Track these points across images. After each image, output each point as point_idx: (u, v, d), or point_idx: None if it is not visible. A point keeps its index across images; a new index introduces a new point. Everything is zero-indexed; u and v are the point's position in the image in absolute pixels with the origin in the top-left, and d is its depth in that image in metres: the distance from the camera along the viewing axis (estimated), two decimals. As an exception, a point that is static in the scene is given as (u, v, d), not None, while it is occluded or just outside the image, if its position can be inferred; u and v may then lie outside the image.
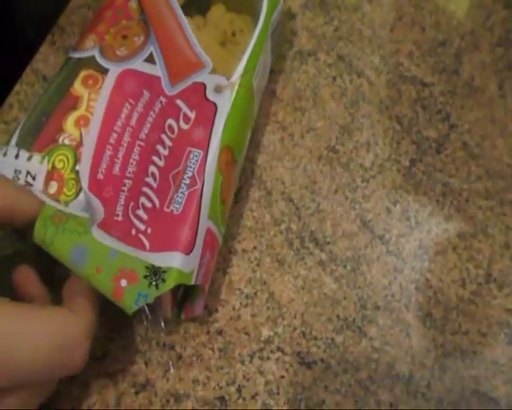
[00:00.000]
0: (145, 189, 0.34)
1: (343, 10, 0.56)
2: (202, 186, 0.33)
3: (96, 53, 0.40)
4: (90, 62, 0.39)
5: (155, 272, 0.30)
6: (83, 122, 0.36)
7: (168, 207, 0.32)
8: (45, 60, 0.52)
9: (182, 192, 0.33)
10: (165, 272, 0.30)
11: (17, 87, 0.52)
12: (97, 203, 0.33)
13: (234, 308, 0.39)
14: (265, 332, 0.38)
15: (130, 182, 0.34)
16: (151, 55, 0.40)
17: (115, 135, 0.36)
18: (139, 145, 0.35)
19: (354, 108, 0.49)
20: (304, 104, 0.50)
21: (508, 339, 0.37)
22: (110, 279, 0.30)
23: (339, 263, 0.41)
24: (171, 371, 0.36)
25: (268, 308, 0.39)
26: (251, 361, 0.37)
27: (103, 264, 0.30)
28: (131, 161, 0.35)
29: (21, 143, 0.36)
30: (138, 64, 0.39)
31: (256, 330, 0.38)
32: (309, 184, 0.45)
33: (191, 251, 0.31)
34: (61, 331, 0.27)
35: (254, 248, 0.41)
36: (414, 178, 0.45)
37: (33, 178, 0.35)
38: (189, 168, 0.34)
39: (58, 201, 0.34)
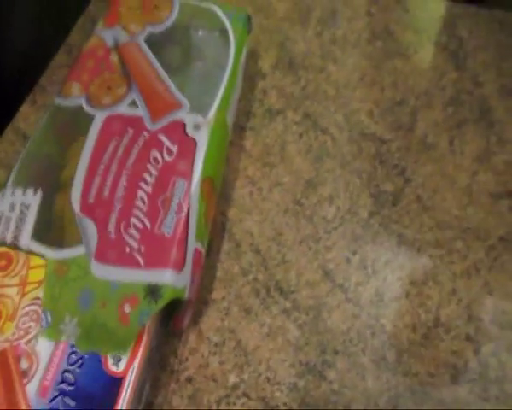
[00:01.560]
0: (135, 211, 0.38)
1: (310, 70, 0.60)
2: (188, 212, 0.38)
3: (82, 102, 0.45)
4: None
5: (153, 291, 0.34)
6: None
7: (159, 229, 0.37)
8: (26, 119, 0.56)
9: (171, 217, 0.37)
10: (161, 288, 0.34)
11: None
12: (90, 224, 0.37)
13: (203, 356, 0.42)
14: (232, 379, 0.41)
15: (120, 205, 0.38)
16: (133, 101, 0.44)
17: (102, 166, 0.40)
18: (126, 174, 0.40)
19: (318, 163, 0.54)
20: (272, 160, 0.54)
21: (453, 379, 0.41)
22: (115, 310, 0.34)
23: (302, 311, 0.45)
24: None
25: (235, 356, 0.42)
26: (218, 407, 0.40)
27: (107, 298, 0.34)
28: (120, 186, 0.39)
29: (17, 181, 0.40)
30: (122, 109, 0.44)
31: (223, 377, 0.41)
32: (275, 235, 0.49)
33: (182, 269, 0.36)
34: None
35: (223, 298, 0.45)
36: (371, 229, 0.49)
37: (27, 208, 0.38)
38: (175, 196, 0.38)
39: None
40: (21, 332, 0.34)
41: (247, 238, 0.49)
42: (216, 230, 0.49)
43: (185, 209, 0.38)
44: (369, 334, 0.44)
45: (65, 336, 0.34)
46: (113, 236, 0.36)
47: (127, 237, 0.36)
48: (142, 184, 0.39)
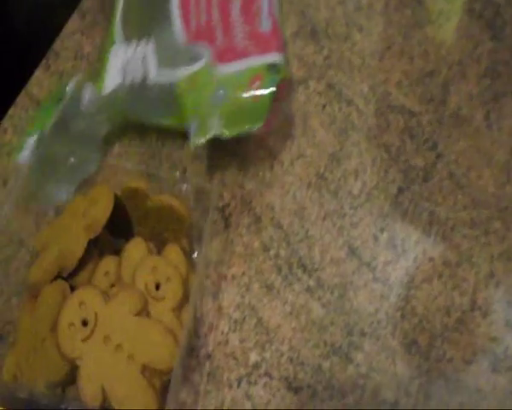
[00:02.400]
0: (235, 22, 0.46)
1: (333, 39, 0.57)
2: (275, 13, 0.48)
3: None
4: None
5: (272, 66, 0.44)
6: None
7: (259, 28, 0.46)
8: (39, 84, 0.53)
9: (265, 17, 0.46)
10: (277, 65, 0.44)
11: (11, 111, 0.53)
12: (201, 45, 0.45)
13: (222, 333, 0.39)
14: (253, 357, 0.38)
15: (220, 22, 0.46)
16: None
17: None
18: None
19: (343, 135, 0.50)
20: (293, 132, 0.51)
21: (492, 367, 0.38)
22: (247, 90, 0.42)
23: (326, 289, 0.42)
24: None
25: (256, 333, 0.39)
26: (239, 386, 0.37)
27: (237, 85, 0.43)
28: (214, 8, 0.47)
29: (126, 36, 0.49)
30: None
31: (244, 355, 0.38)
32: (298, 210, 0.46)
33: (284, 52, 0.46)
34: None
35: (243, 273, 0.42)
36: (401, 207, 0.46)
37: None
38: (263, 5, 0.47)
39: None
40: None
41: (268, 212, 0.46)
42: (234, 203, 0.46)
43: (274, 12, 0.47)
44: (398, 316, 0.41)
45: (212, 130, 0.42)
46: (224, 44, 0.45)
47: (237, 40, 0.45)
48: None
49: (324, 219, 0.45)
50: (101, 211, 0.38)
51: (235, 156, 0.49)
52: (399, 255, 0.43)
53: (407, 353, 0.39)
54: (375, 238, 0.44)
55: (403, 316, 0.40)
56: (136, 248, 0.38)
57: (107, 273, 0.38)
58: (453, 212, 0.45)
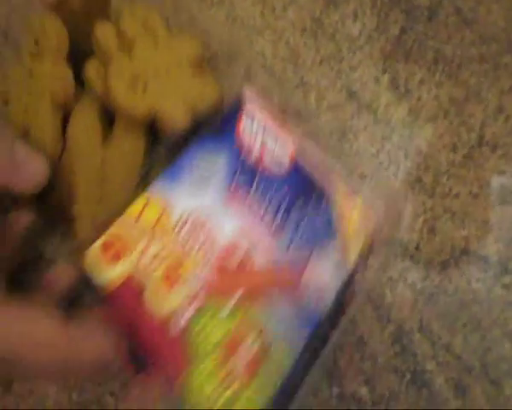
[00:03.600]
0: None
1: None
2: None
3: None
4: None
5: None
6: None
7: None
8: None
9: None
10: None
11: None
12: None
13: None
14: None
15: None
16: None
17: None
18: None
19: (340, -22, 0.46)
20: (286, -24, 0.47)
21: (500, 199, 0.36)
22: None
23: (324, 133, 0.39)
24: None
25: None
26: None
27: None
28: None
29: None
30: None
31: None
32: (292, 56, 0.42)
33: None
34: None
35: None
36: (404, 47, 0.42)
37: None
38: None
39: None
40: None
41: (259, 60, 0.42)
42: (221, 51, 0.42)
43: None
44: (401, 155, 0.38)
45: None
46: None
47: None
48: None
49: (321, 63, 0.42)
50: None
51: (221, 3, 0.45)
52: (402, 96, 0.40)
53: (411, 191, 0.37)
54: (376, 80, 0.41)
55: (406, 155, 0.38)
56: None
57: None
58: (460, 48, 0.41)
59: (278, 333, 0.27)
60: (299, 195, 0.31)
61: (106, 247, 0.27)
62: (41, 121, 0.31)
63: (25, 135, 0.31)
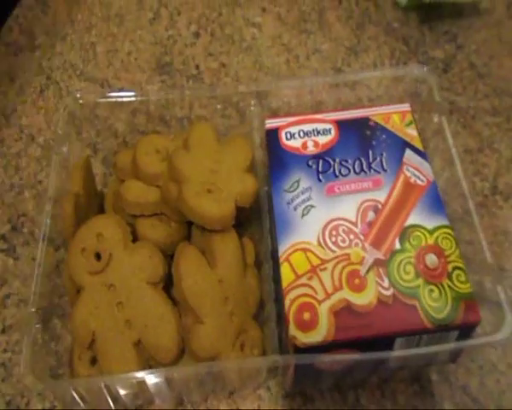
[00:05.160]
0: None
1: None
2: None
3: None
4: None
5: None
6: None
7: None
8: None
9: None
10: None
11: (17, 11, 0.51)
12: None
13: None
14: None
15: None
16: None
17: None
18: None
19: (360, 29, 0.49)
20: (309, 27, 0.49)
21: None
22: None
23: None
24: None
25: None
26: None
27: None
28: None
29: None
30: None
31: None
32: (315, 104, 0.45)
33: None
34: None
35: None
36: (420, 96, 0.45)
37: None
38: None
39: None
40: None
41: (284, 108, 0.45)
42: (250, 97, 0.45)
43: None
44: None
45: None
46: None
47: None
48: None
49: (341, 106, 0.44)
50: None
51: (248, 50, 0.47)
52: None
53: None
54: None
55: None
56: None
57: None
58: (474, 101, 0.44)
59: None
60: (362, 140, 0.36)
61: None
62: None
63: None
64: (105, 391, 0.29)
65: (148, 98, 0.38)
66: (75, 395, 0.29)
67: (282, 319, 0.31)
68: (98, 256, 0.31)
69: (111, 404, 0.31)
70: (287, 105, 0.43)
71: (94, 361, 0.31)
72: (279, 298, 0.31)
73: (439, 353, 0.30)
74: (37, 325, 0.30)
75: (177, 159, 0.33)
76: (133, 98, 0.37)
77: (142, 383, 0.28)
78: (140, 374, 0.28)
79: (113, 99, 0.37)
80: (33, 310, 0.30)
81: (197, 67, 0.48)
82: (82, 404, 0.30)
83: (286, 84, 0.41)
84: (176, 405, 0.33)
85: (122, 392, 0.30)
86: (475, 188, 0.40)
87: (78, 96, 0.36)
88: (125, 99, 0.37)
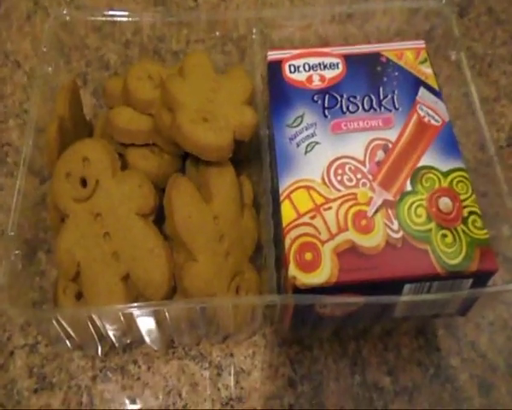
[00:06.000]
0: None
1: None
2: None
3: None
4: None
5: None
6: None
7: None
8: None
9: None
10: None
11: None
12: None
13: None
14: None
15: None
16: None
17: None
18: None
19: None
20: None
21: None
22: None
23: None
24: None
25: None
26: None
27: None
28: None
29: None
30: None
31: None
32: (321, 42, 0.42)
33: None
34: None
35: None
36: (433, 42, 0.42)
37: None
38: None
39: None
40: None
41: (287, 45, 0.42)
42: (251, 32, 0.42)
43: None
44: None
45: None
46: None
47: None
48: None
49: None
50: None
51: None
52: (431, 91, 0.40)
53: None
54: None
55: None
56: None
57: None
58: (492, 48, 0.41)
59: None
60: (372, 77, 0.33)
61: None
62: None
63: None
64: (91, 327, 0.27)
65: (140, 20, 0.35)
66: (58, 328, 0.26)
67: (280, 263, 0.28)
68: (84, 183, 0.28)
69: (97, 341, 0.28)
70: (290, 42, 0.40)
71: (79, 296, 0.28)
72: (278, 242, 0.29)
73: (450, 302, 0.28)
74: (17, 251, 0.27)
75: (171, 84, 0.30)
76: (124, 19, 0.34)
77: (129, 318, 0.26)
78: (127, 307, 0.25)
79: (104, 18, 0.33)
80: (12, 234, 0.27)
81: (195, -1, 0.45)
82: (66, 340, 0.28)
83: (290, 15, 0.38)
84: (167, 347, 0.31)
85: (109, 329, 0.27)
86: (490, 138, 0.38)
87: (65, 12, 0.33)
88: (116, 19, 0.34)
